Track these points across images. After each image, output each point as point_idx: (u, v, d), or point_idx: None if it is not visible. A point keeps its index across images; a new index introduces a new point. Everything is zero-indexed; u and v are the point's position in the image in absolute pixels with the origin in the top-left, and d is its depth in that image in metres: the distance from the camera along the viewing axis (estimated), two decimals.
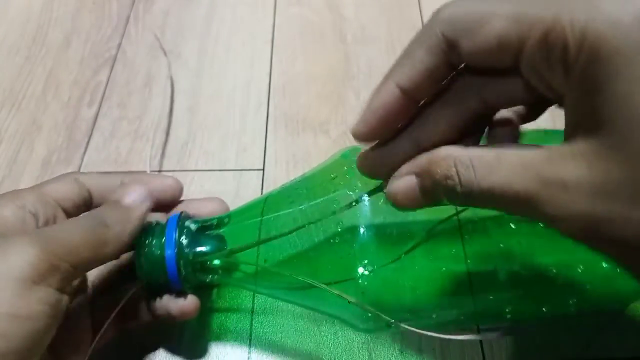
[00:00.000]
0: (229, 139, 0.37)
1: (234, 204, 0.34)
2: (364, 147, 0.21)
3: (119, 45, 0.43)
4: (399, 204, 0.20)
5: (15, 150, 0.37)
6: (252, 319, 0.29)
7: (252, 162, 0.36)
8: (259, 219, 0.26)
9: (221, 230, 0.27)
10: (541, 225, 0.17)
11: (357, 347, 0.28)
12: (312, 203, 0.25)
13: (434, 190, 0.18)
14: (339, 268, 0.24)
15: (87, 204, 0.27)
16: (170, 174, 0.35)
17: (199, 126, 0.38)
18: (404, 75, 0.18)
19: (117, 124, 0.38)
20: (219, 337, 0.29)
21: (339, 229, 0.24)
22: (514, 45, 0.16)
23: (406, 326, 0.23)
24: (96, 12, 0.46)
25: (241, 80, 0.41)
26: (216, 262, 0.26)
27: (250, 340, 0.29)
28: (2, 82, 0.41)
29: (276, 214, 0.26)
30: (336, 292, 0.23)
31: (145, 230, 0.26)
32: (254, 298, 0.30)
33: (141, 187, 0.25)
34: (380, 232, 0.24)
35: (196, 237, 0.26)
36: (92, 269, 0.23)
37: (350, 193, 0.24)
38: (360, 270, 0.23)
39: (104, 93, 0.40)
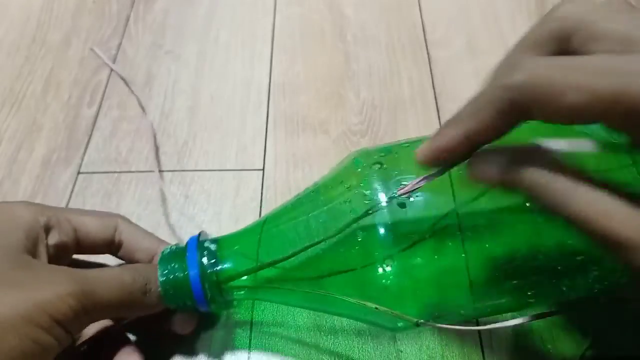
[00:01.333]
0: (229, 139, 0.37)
1: (234, 204, 0.34)
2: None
3: (119, 45, 0.43)
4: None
5: (15, 150, 0.37)
6: (252, 319, 0.29)
7: (252, 162, 0.36)
8: (266, 231, 0.26)
9: (238, 247, 0.26)
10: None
11: (357, 348, 0.28)
12: (330, 214, 0.24)
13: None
14: (360, 263, 0.24)
15: (111, 249, 0.27)
16: (170, 174, 0.36)
17: (199, 126, 0.38)
18: (468, 129, 0.19)
19: (117, 124, 0.38)
20: (219, 338, 0.29)
21: (357, 229, 0.24)
22: (590, 117, 0.16)
23: (435, 324, 0.23)
24: (96, 12, 0.46)
25: (241, 80, 0.41)
26: (240, 280, 0.26)
27: (250, 340, 0.29)
28: (2, 82, 0.41)
29: (293, 226, 0.25)
30: (363, 303, 0.23)
31: (166, 254, 0.26)
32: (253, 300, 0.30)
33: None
34: (398, 230, 0.23)
35: (218, 257, 0.25)
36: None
37: (367, 201, 0.23)
38: (380, 270, 0.23)
39: (104, 93, 0.40)
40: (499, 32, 0.43)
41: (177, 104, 0.39)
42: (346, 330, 0.29)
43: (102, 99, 0.40)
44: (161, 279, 0.25)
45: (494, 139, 0.19)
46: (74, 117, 0.39)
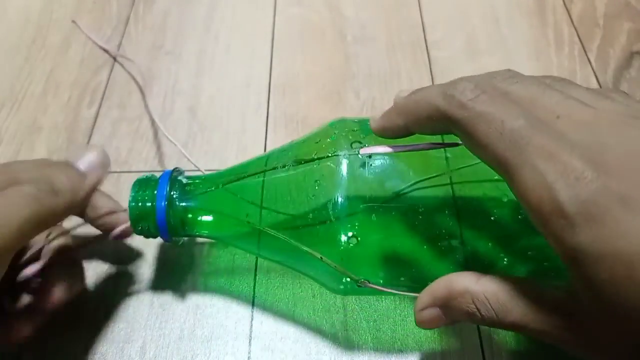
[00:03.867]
0: (229, 139, 0.37)
1: None
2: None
3: (119, 45, 0.43)
4: (427, 328, 0.23)
5: (15, 151, 0.37)
6: (252, 319, 0.29)
7: None
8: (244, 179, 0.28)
9: (211, 188, 0.28)
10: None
11: (357, 347, 0.28)
12: (296, 167, 0.26)
13: (458, 318, 0.21)
14: (318, 219, 0.25)
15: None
16: None
17: (199, 126, 0.38)
18: (407, 123, 0.22)
19: (117, 124, 0.38)
20: (219, 337, 0.29)
21: (317, 184, 0.25)
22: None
23: (373, 285, 0.24)
24: (96, 12, 0.46)
25: (241, 80, 0.41)
26: (203, 217, 0.27)
27: (250, 339, 0.29)
28: (2, 82, 0.41)
29: (262, 175, 0.27)
30: (311, 252, 0.24)
31: (139, 182, 0.27)
32: (254, 296, 0.30)
33: (98, 151, 0.26)
34: (355, 190, 0.25)
35: (186, 192, 0.27)
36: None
37: (339, 153, 0.25)
38: (343, 238, 0.24)
39: (104, 93, 0.40)
40: (499, 32, 0.43)
41: (177, 104, 0.39)
42: (346, 330, 0.29)
43: (102, 99, 0.40)
44: (131, 203, 0.26)
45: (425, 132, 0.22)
46: (74, 118, 0.39)
